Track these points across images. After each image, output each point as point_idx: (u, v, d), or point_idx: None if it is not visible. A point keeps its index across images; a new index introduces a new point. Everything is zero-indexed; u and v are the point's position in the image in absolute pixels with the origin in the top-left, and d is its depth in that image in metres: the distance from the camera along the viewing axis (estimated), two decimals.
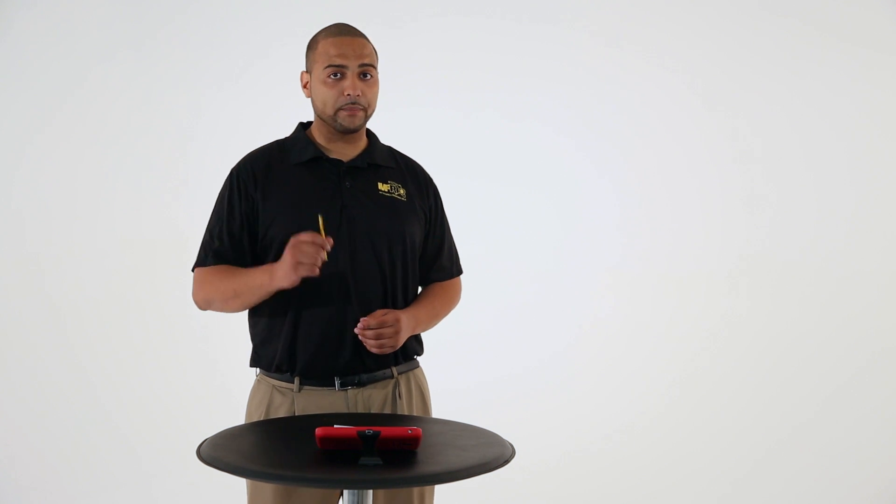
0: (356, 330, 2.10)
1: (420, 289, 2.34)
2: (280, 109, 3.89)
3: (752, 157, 4.08)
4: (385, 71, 2.28)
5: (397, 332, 2.12)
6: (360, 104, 2.16)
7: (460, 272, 2.39)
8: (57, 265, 4.04)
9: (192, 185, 4.05)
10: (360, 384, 2.17)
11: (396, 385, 2.21)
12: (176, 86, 4.06)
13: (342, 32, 2.19)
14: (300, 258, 2.02)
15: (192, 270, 2.24)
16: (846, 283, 4.00)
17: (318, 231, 2.07)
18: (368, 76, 2.18)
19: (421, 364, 2.33)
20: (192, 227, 3.95)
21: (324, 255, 2.03)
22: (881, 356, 3.98)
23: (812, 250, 4.03)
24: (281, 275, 2.06)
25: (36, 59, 4.02)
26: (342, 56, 2.15)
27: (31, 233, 4.04)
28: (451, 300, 2.35)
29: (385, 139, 2.35)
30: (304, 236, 2.03)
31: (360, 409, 2.16)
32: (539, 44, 4.06)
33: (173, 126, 4.08)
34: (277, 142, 2.30)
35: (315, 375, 2.16)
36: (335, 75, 2.16)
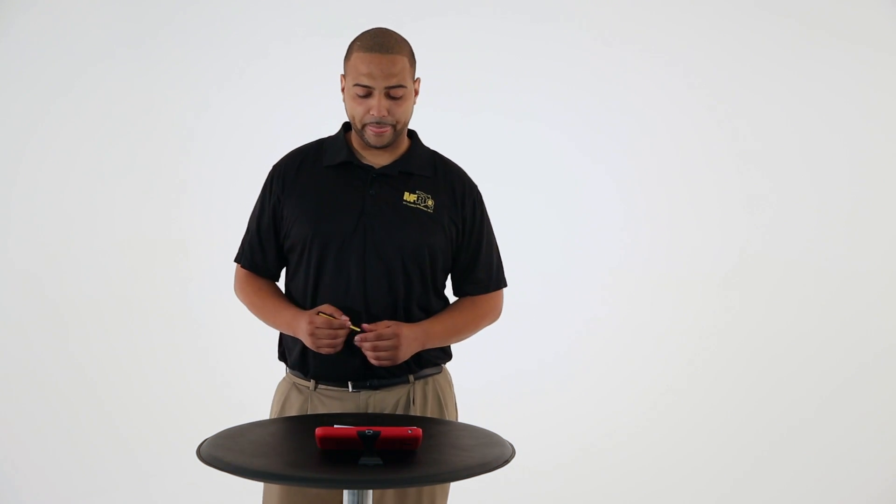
0: (355, 340, 2.09)
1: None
2: (280, 109, 3.92)
3: (753, 158, 4.07)
4: (420, 76, 2.27)
5: (396, 347, 2.09)
6: (386, 123, 2.15)
7: (499, 286, 2.34)
8: (56, 265, 4.04)
9: (191, 185, 4.05)
10: (373, 388, 2.17)
11: (412, 390, 2.19)
12: (176, 86, 4.06)
13: (373, 48, 2.14)
14: (319, 344, 2.08)
15: (234, 261, 2.32)
16: (846, 284, 4.00)
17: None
18: (398, 97, 2.15)
19: (448, 368, 2.31)
20: (192, 227, 3.99)
21: (344, 333, 2.08)
22: (881, 356, 3.98)
23: (812, 250, 4.02)
24: (303, 339, 2.13)
25: (35, 58, 4.02)
26: (369, 76, 2.12)
27: (31, 232, 4.04)
28: (484, 315, 2.30)
29: None
30: (320, 321, 2.07)
31: (374, 412, 2.16)
32: (539, 44, 4.06)
33: (173, 126, 4.08)
34: (320, 140, 2.29)
35: (328, 378, 2.17)
36: (363, 94, 2.14)
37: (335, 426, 1.75)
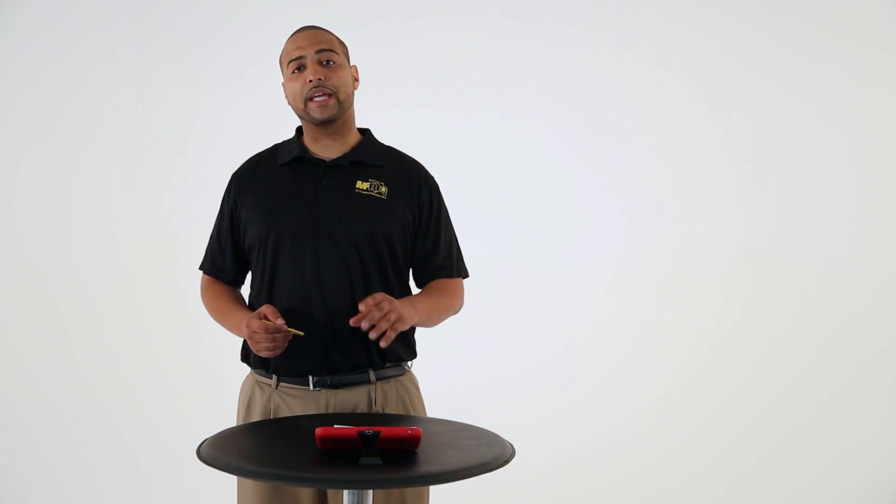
0: (352, 322, 2.03)
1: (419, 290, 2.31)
2: (279, 110, 3.89)
3: (753, 158, 4.07)
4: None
5: (392, 308, 2.01)
6: (325, 88, 2.16)
7: (461, 275, 2.32)
8: (55, 265, 4.04)
9: (190, 186, 4.05)
10: (333, 386, 2.15)
11: (373, 391, 2.17)
12: (175, 86, 4.06)
13: (300, 30, 2.26)
14: (257, 347, 2.07)
15: (199, 269, 2.36)
16: (847, 284, 4.00)
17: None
18: (330, 62, 2.18)
19: (414, 370, 2.29)
20: (190, 228, 3.97)
21: (282, 336, 2.04)
22: (882, 356, 3.97)
23: (813, 250, 4.02)
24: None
25: (35, 58, 4.02)
26: (299, 48, 2.19)
27: (30, 233, 4.04)
28: (454, 297, 2.28)
29: (384, 139, 2.34)
30: (256, 325, 2.03)
31: (334, 412, 2.15)
32: (539, 43, 4.06)
33: (172, 126, 4.08)
34: (275, 145, 2.33)
35: (289, 373, 2.17)
36: (298, 69, 2.19)
37: (335, 426, 1.75)
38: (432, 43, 4.05)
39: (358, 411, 2.15)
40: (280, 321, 2.03)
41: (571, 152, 4.10)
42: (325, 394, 2.15)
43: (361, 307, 2.02)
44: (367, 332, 2.04)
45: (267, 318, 2.04)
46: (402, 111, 3.58)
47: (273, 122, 3.90)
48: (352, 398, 2.16)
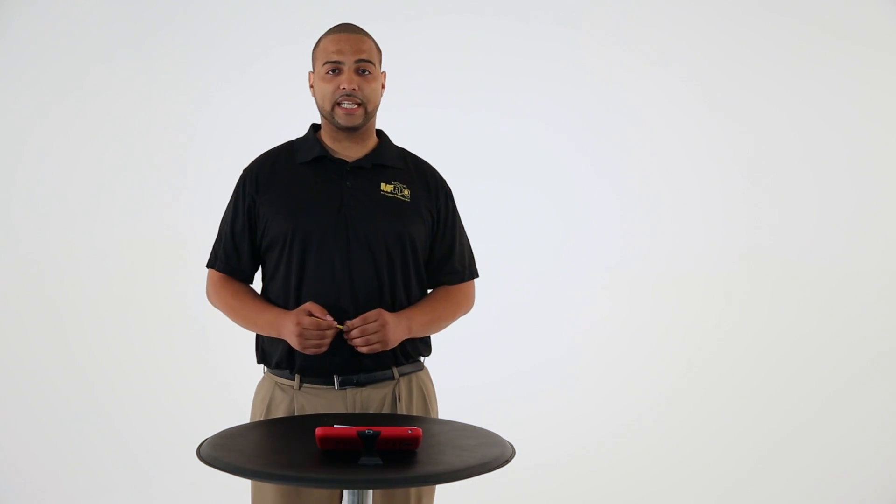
0: (345, 335, 2.10)
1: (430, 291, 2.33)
2: (280, 109, 3.92)
3: (752, 158, 4.07)
4: (385, 70, 2.28)
5: (383, 326, 2.09)
6: (356, 98, 2.17)
7: (473, 276, 2.36)
8: (56, 265, 4.04)
9: (191, 185, 4.06)
10: (359, 384, 2.17)
11: (397, 386, 2.20)
12: (176, 86, 4.06)
13: (341, 30, 2.23)
14: (306, 344, 2.08)
15: (206, 267, 2.32)
16: (846, 284, 4.00)
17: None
18: (366, 72, 2.19)
19: (427, 366, 2.31)
20: (190, 227, 3.99)
21: (331, 333, 2.08)
22: (881, 357, 3.98)
23: (812, 251, 4.03)
24: (288, 340, 2.12)
25: (35, 58, 4.02)
26: (339, 52, 2.18)
27: (30, 233, 4.04)
28: (460, 304, 2.32)
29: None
30: (308, 322, 2.06)
31: (359, 409, 2.16)
32: (540, 44, 4.06)
33: (172, 126, 4.08)
34: (289, 142, 2.32)
35: (314, 373, 2.17)
36: (333, 71, 2.18)
37: (335, 426, 1.75)
38: (432, 43, 4.05)
39: (383, 408, 2.17)
40: (329, 318, 2.08)
41: (571, 152, 4.10)
42: (350, 392, 2.16)
43: (355, 321, 2.10)
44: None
45: (315, 315, 2.08)
46: (402, 111, 3.56)
47: (273, 121, 3.91)
48: (376, 395, 2.18)
